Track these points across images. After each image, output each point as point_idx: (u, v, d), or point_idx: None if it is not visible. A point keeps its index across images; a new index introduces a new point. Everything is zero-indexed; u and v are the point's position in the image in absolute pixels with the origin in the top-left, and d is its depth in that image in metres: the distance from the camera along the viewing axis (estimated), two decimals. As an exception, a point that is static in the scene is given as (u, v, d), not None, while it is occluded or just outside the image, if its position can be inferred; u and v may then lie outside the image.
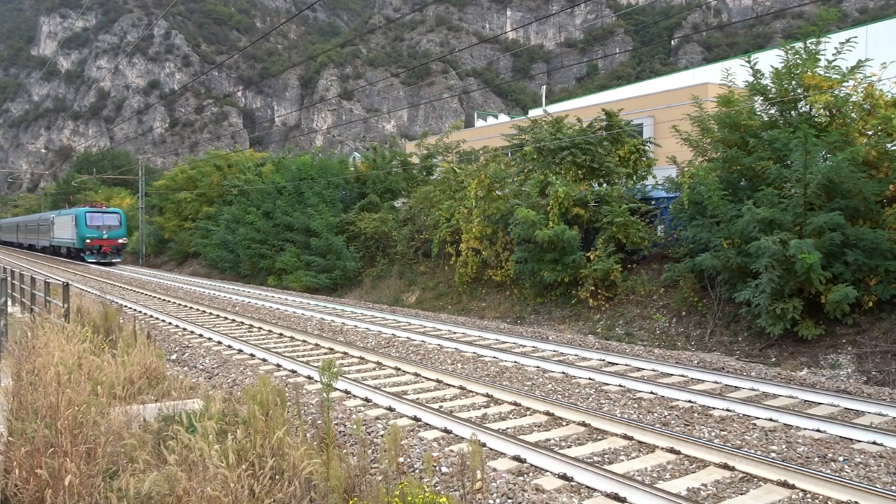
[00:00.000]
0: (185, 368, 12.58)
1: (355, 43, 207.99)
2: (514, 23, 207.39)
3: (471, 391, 10.17)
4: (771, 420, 8.48)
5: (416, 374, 11.39)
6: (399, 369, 11.83)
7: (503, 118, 52.90)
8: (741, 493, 6.34)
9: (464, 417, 8.68)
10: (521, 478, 6.61)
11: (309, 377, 11.08)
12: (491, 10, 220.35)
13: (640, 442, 7.70)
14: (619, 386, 10.39)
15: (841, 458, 7.25)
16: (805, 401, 9.58)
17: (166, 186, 52.05)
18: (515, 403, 9.38)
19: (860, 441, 7.69)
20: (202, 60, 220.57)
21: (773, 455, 7.36)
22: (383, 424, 8.37)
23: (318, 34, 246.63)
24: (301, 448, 5.94)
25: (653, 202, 19.39)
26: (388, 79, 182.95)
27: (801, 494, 6.24)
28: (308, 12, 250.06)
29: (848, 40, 15.29)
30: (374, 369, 12.01)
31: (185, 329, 16.86)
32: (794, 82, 15.60)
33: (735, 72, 16.87)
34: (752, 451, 7.38)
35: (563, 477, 6.58)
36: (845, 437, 7.83)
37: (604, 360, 12.43)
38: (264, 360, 12.85)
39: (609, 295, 18.18)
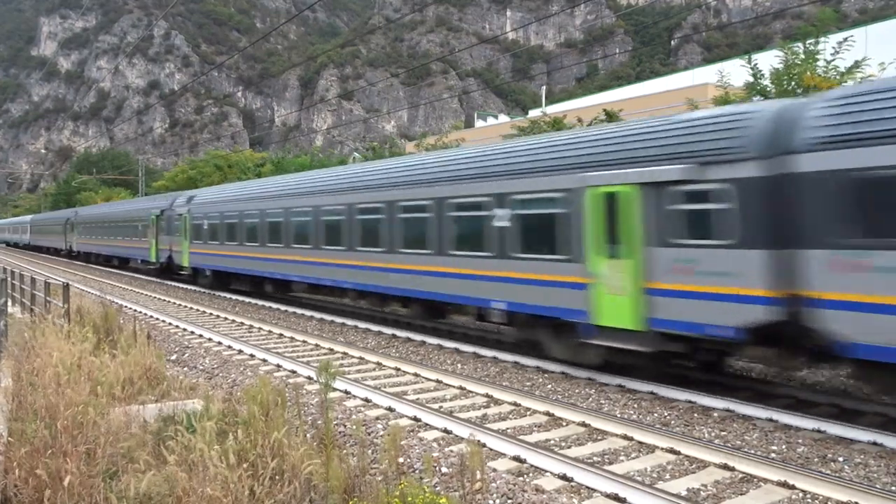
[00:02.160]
0: (185, 369, 12.58)
1: (355, 43, 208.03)
2: (514, 23, 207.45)
3: (471, 391, 10.17)
4: (771, 420, 8.47)
5: (416, 375, 11.39)
6: (399, 369, 11.83)
7: (503, 118, 52.94)
8: (741, 494, 6.34)
9: (464, 418, 8.68)
10: (520, 478, 6.61)
11: (309, 378, 11.08)
12: (491, 11, 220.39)
13: (640, 442, 7.70)
14: (619, 386, 10.38)
15: (841, 459, 7.25)
16: (805, 401, 9.57)
17: (166, 187, 52.07)
18: (515, 404, 9.37)
19: (860, 441, 7.69)
20: (202, 61, 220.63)
21: (773, 455, 7.36)
22: (383, 425, 8.36)
23: (317, 34, 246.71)
24: (301, 448, 5.94)
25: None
26: (388, 79, 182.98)
27: (801, 495, 6.24)
28: (308, 13, 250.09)
29: (845, 39, 15.31)
30: (374, 369, 12.01)
31: (185, 329, 16.86)
32: (793, 82, 15.62)
33: (732, 73, 16.89)
34: (752, 452, 7.39)
35: (563, 477, 6.58)
36: (845, 438, 7.82)
37: (603, 360, 12.41)
38: (264, 360, 12.85)
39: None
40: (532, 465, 6.96)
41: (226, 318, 18.72)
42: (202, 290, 26.33)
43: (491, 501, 6.11)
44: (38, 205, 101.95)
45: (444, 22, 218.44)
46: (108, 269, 39.84)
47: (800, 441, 7.80)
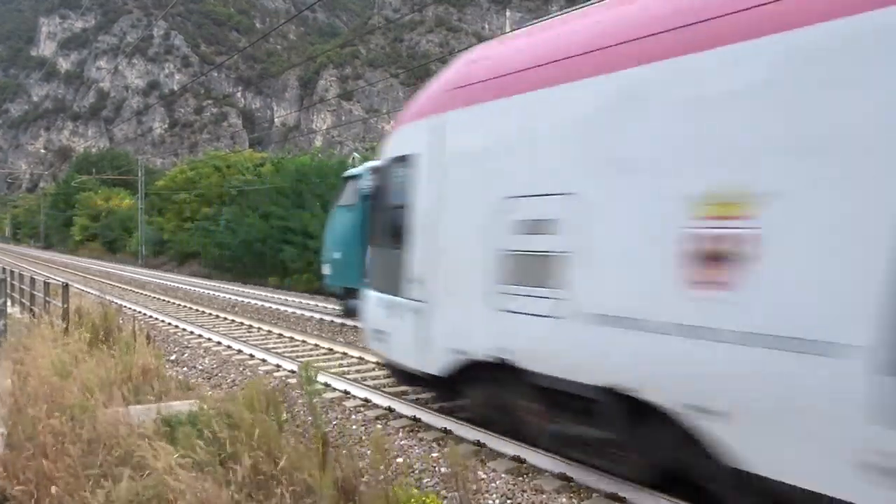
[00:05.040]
0: (185, 369, 12.53)
1: (355, 43, 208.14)
2: (513, 23, 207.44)
3: (470, 391, 10.12)
4: (772, 420, 8.42)
5: (416, 375, 11.34)
6: (398, 369, 11.78)
7: (503, 118, 52.88)
8: (742, 494, 6.29)
9: (463, 417, 8.63)
10: (520, 478, 6.57)
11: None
12: (490, 11, 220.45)
13: (640, 442, 7.64)
14: (620, 386, 10.33)
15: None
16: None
17: (166, 187, 52.09)
18: (515, 403, 9.32)
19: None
20: (202, 61, 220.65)
21: (775, 455, 7.31)
22: (383, 425, 8.32)
23: (317, 35, 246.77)
24: (298, 449, 5.90)
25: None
26: (388, 79, 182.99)
27: (802, 495, 6.19)
28: (307, 13, 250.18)
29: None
30: (373, 370, 11.97)
31: (184, 329, 16.82)
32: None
33: None
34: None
35: (563, 477, 6.53)
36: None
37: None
38: (264, 360, 12.80)
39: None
40: (532, 465, 6.91)
41: (225, 318, 18.69)
42: (202, 290, 26.20)
43: (490, 502, 6.06)
44: (37, 205, 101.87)
45: (443, 22, 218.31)
46: (107, 269, 39.35)
47: (801, 441, 7.75)
